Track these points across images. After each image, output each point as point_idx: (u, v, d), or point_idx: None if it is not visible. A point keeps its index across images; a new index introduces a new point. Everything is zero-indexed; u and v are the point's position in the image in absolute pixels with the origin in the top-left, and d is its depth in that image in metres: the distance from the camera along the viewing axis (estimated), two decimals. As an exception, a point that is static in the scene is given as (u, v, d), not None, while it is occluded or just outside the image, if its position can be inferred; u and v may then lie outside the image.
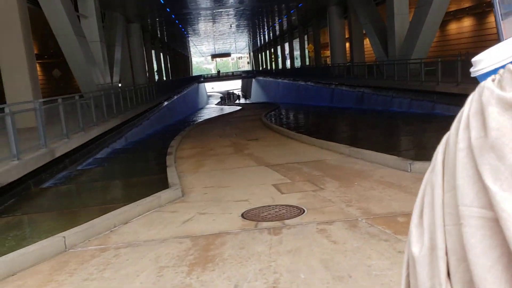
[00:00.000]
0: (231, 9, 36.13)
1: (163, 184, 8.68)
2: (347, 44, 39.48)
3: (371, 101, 23.56)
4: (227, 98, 61.14)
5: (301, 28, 48.19)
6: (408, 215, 3.92)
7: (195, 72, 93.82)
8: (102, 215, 6.12)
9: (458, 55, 16.30)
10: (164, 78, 47.50)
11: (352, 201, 5.56)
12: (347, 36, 36.76)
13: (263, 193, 6.47)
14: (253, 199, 6.12)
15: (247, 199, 6.18)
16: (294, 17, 44.89)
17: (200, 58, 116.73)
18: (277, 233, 4.61)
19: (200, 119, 31.22)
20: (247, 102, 57.61)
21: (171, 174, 7.98)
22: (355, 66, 28.75)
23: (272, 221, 5.07)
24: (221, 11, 36.58)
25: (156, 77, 43.37)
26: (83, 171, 11.14)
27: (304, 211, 5.32)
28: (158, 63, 46.23)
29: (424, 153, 9.80)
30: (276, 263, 3.83)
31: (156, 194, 6.40)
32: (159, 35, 46.64)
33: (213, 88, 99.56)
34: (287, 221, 5.00)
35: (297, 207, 5.53)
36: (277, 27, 53.22)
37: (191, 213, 5.71)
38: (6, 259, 4.17)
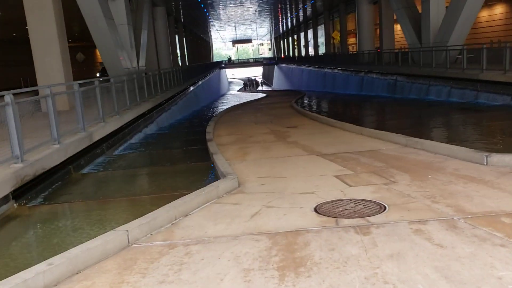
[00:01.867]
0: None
1: (208, 172, 8.28)
2: (376, 31, 38.51)
3: (405, 90, 22.76)
4: (249, 84, 60.47)
5: (326, 14, 47.13)
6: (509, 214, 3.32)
7: (215, 58, 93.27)
8: (153, 204, 5.70)
9: (506, 43, 15.43)
10: (187, 63, 47.06)
11: (436, 197, 5.01)
12: (377, 21, 35.77)
13: (328, 184, 5.95)
14: (319, 192, 5.61)
15: (312, 191, 5.67)
16: (319, 3, 43.89)
17: (220, 44, 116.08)
18: (366, 233, 4.10)
19: (226, 105, 30.76)
20: (270, 89, 56.90)
21: (221, 162, 7.50)
22: (385, 53, 27.83)
23: (352, 218, 4.56)
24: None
25: (180, 62, 42.93)
26: (121, 156, 10.75)
27: (385, 208, 4.79)
28: (181, 48, 45.77)
29: (487, 145, 9.16)
30: (382, 270, 3.32)
31: (213, 183, 5.93)
32: (182, 20, 46.11)
33: (234, 75, 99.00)
34: (370, 219, 4.48)
35: (375, 202, 5.00)
36: (301, 13, 52.22)
37: (256, 205, 5.23)
38: (69, 255, 3.73)
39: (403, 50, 25.98)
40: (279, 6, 47.83)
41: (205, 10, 41.88)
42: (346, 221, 4.46)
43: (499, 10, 36.69)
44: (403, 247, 3.71)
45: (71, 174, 8.25)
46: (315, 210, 4.90)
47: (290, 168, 7.25)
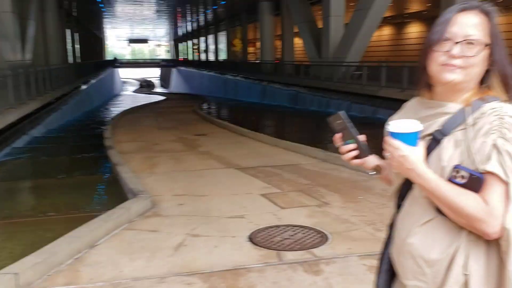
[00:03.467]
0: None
1: (111, 186, 7.24)
2: (277, 42, 39.19)
3: (306, 101, 23.15)
4: (145, 85, 58.19)
5: (228, 21, 47.00)
6: None
7: (109, 57, 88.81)
8: (46, 230, 4.65)
9: (404, 63, 16.23)
10: (79, 60, 43.81)
11: (376, 223, 4.64)
12: (278, 33, 36.35)
13: (257, 206, 5.35)
14: (250, 215, 4.98)
15: (241, 214, 5.02)
16: (222, 9, 43.67)
17: (115, 42, 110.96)
18: (317, 272, 3.54)
19: (122, 106, 28.93)
20: (168, 91, 55.29)
21: (127, 176, 6.53)
22: (287, 65, 28.24)
23: (295, 250, 3.99)
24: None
25: (71, 59, 39.77)
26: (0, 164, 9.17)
27: (327, 237, 4.29)
28: (72, 44, 42.47)
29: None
30: (351, 324, 2.76)
31: (123, 205, 5.00)
32: (75, 13, 42.86)
33: (128, 75, 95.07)
34: (316, 252, 3.94)
35: (314, 229, 4.49)
36: (202, 18, 51.59)
37: (179, 233, 4.44)
38: None
39: (304, 63, 26.52)
40: (180, 8, 46.73)
41: (101, 5, 39.42)
42: (289, 255, 3.87)
43: (386, 31, 39.48)
44: (364, 290, 3.21)
45: None
46: (250, 239, 4.25)
47: (209, 184, 6.53)
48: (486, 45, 1.22)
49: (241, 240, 4.23)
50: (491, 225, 1.13)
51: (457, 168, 1.17)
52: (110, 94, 46.74)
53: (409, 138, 1.19)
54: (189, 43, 68.63)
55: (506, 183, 1.13)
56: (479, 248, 1.17)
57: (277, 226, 4.59)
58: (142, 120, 16.49)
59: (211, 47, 56.12)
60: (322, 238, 4.27)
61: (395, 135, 1.20)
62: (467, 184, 1.15)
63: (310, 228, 4.51)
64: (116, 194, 6.49)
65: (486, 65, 1.24)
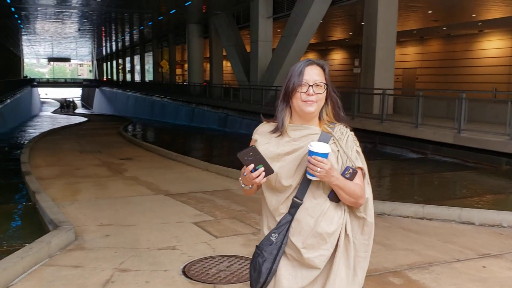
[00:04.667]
0: (75, 11, 32.58)
1: (28, 217, 6.65)
2: (205, 64, 39.18)
3: (236, 124, 23.19)
4: (66, 106, 55.46)
5: (155, 42, 46.37)
6: (398, 272, 3.08)
7: (27, 75, 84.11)
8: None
9: (355, 89, 16.75)
10: (-8, 78, 40.95)
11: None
12: (206, 55, 36.38)
13: (190, 235, 5.11)
14: (182, 246, 4.73)
15: (173, 245, 4.76)
16: (148, 30, 42.97)
17: (33, 60, 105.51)
18: (257, 305, 3.37)
19: (40, 128, 27.29)
20: (90, 112, 53.15)
21: (47, 205, 6.02)
22: (216, 87, 28.25)
23: (231, 283, 3.80)
24: (67, 11, 32.82)
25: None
26: None
27: (265, 266, 4.15)
28: (-15, 60, 39.70)
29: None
30: None
31: (42, 238, 4.55)
32: (-12, 28, 40.23)
33: (47, 94, 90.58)
34: (254, 283, 3.78)
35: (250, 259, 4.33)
36: (127, 38, 50.46)
37: (105, 269, 4.09)
38: None
39: (234, 86, 26.66)
40: (103, 28, 45.34)
41: (19, 21, 37.25)
42: (227, 289, 3.68)
43: (311, 57, 40.79)
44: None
45: None
46: (184, 273, 4.01)
47: (137, 212, 6.19)
48: (326, 85, 1.86)
49: (174, 274, 3.98)
50: (364, 198, 1.86)
51: (347, 168, 1.84)
52: (28, 114, 44.15)
53: (326, 155, 1.76)
54: (114, 63, 66.83)
55: (363, 171, 1.89)
56: (351, 215, 1.89)
57: (212, 257, 4.39)
58: (62, 143, 15.59)
59: (137, 67, 54.98)
60: (259, 268, 4.12)
61: (320, 155, 1.75)
62: (351, 176, 1.83)
63: (247, 258, 4.35)
64: (35, 225, 5.94)
65: (325, 99, 1.89)
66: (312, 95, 1.82)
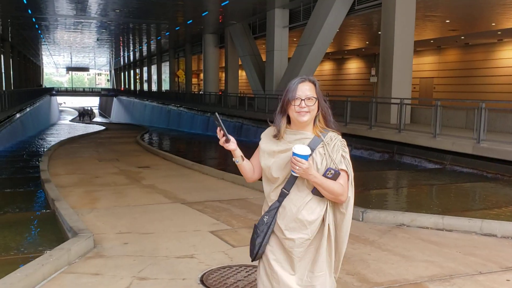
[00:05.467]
0: (94, 21, 33.16)
1: (48, 224, 6.72)
2: (220, 73, 39.43)
3: (250, 133, 23.22)
4: (84, 114, 56.22)
5: (172, 52, 46.85)
6: (418, 284, 3.07)
7: (46, 84, 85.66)
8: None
9: (348, 97, 16.67)
10: (12, 87, 41.80)
11: (331, 261, 4.54)
12: (221, 65, 36.60)
13: (207, 244, 5.11)
14: (200, 255, 4.74)
15: (191, 254, 4.77)
16: (165, 40, 43.49)
17: (52, 70, 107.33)
18: (275, 316, 3.35)
19: (59, 136, 27.69)
20: (108, 121, 53.79)
21: (66, 213, 6.09)
22: (231, 97, 28.37)
23: (250, 292, 3.80)
24: (86, 22, 33.40)
25: (4, 85, 37.83)
26: None
27: (283, 276, 4.13)
28: (6, 70, 40.53)
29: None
30: None
31: (62, 245, 4.60)
32: (9, 39, 41.11)
33: (65, 103, 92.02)
34: (272, 293, 3.76)
35: (269, 269, 4.31)
36: (145, 48, 51.10)
37: (124, 277, 4.12)
38: None
39: (248, 95, 26.74)
40: (121, 38, 45.98)
41: (39, 31, 38.00)
42: (245, 299, 3.67)
43: (327, 66, 40.89)
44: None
45: None
46: (202, 282, 4.01)
47: (155, 220, 6.22)
48: (316, 98, 2.22)
49: (192, 283, 3.98)
50: (344, 196, 2.19)
51: (329, 169, 2.17)
52: (47, 123, 44.87)
53: (306, 157, 2.09)
54: (131, 72, 67.67)
55: (347, 174, 2.20)
56: (334, 209, 2.25)
57: (230, 267, 4.38)
58: (81, 151, 15.79)
59: (154, 77, 55.55)
60: (277, 278, 4.10)
61: (301, 156, 2.08)
62: (333, 177, 2.16)
63: (264, 268, 4.33)
64: (54, 233, 6.01)
65: (317, 109, 2.24)
66: (304, 107, 2.19)
